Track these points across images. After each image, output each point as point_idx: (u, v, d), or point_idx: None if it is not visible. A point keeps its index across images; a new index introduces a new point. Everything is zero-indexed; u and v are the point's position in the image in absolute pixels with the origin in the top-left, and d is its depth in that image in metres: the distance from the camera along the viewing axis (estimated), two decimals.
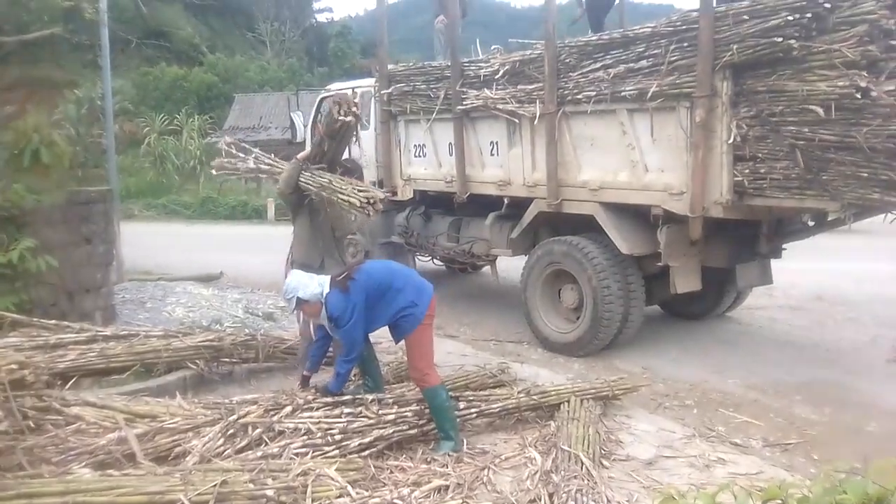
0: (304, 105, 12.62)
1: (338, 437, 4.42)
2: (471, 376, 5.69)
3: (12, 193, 6.68)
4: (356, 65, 38.58)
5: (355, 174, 5.97)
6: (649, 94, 6.23)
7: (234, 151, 6.43)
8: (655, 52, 6.27)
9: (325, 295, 4.78)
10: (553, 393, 5.20)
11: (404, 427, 4.66)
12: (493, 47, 8.31)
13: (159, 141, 26.68)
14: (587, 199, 7.11)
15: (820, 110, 5.27)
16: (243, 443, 4.32)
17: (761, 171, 5.78)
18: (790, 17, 5.30)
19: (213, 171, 6.87)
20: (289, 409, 4.65)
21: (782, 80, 5.53)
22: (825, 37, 5.32)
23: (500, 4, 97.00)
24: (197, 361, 5.93)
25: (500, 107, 7.60)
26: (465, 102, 7.98)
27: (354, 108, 5.73)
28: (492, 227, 8.33)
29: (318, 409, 4.70)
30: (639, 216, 6.85)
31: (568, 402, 5.02)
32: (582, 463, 4.11)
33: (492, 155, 8.07)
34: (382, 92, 9.08)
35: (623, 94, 6.47)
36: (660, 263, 6.71)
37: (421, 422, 4.72)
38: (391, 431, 4.58)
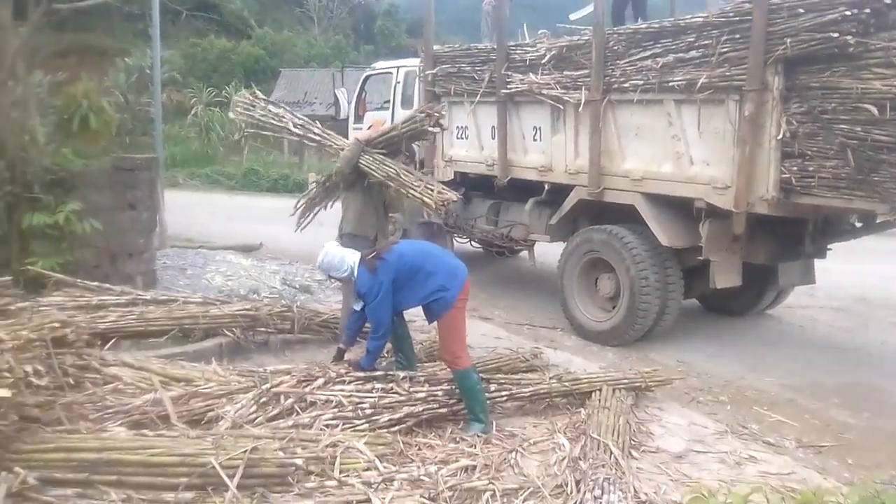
0: (348, 82, 12.66)
1: (368, 412, 4.46)
2: (503, 359, 5.68)
3: (61, 157, 6.83)
4: (402, 44, 38.56)
5: (410, 159, 6.09)
6: (698, 86, 6.13)
7: (257, 101, 6.58)
8: (706, 42, 6.16)
9: (354, 272, 4.85)
10: (585, 380, 5.18)
11: (434, 405, 4.68)
12: (540, 31, 8.22)
13: (205, 112, 26.96)
14: (629, 188, 7.04)
15: (874, 109, 5.15)
16: (275, 411, 4.39)
17: (810, 168, 5.67)
18: (848, 12, 5.18)
19: (231, 115, 7.04)
20: (321, 381, 4.70)
21: (836, 76, 5.41)
22: (884, 33, 5.21)
23: None
24: (233, 329, 6.02)
25: (545, 92, 7.53)
26: (509, 86, 7.92)
27: (442, 121, 6.10)
28: (531, 212, 8.29)
29: (350, 382, 4.75)
30: (680, 208, 6.76)
31: (600, 390, 5.00)
32: (611, 452, 4.10)
33: (534, 140, 8.02)
34: (427, 72, 9.05)
35: (671, 84, 6.38)
36: (700, 257, 6.62)
37: (451, 401, 4.74)
38: (421, 409, 4.61)
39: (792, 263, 7.25)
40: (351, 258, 4.91)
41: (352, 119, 11.22)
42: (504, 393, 4.95)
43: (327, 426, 4.28)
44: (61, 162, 6.77)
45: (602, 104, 7.02)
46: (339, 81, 12.41)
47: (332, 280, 5.38)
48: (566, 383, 5.12)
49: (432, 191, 5.73)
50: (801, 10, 5.49)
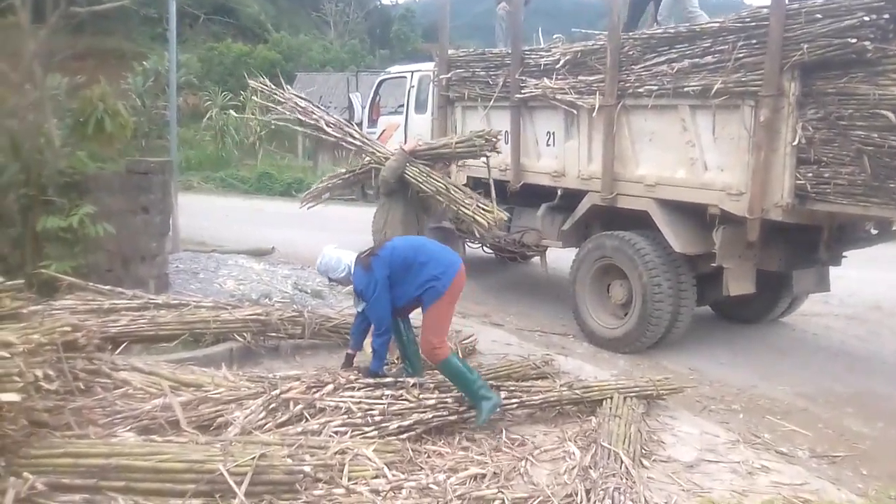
0: (363, 86, 12.70)
1: (377, 419, 4.44)
2: (514, 366, 5.65)
3: (76, 160, 6.87)
4: (418, 48, 38.60)
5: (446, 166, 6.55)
6: (713, 91, 6.09)
7: (278, 90, 6.70)
8: (722, 48, 6.13)
9: (351, 273, 5.00)
10: (596, 388, 5.15)
11: (444, 413, 4.65)
12: (554, 36, 8.21)
13: (221, 115, 27.10)
14: (642, 194, 7.00)
15: (892, 116, 5.12)
16: (284, 417, 4.37)
17: (825, 175, 5.63)
18: (866, 18, 5.14)
19: (254, 98, 7.22)
20: (331, 387, 4.69)
21: (853, 82, 5.37)
22: None
23: None
24: (244, 334, 6.00)
25: (559, 97, 7.50)
26: (523, 91, 7.90)
27: (498, 145, 6.49)
28: (543, 217, 8.26)
29: (359, 389, 4.74)
30: (694, 215, 6.71)
31: (611, 398, 4.96)
32: (621, 461, 4.06)
33: (547, 145, 7.98)
34: (441, 77, 9.04)
35: (686, 89, 6.35)
36: (713, 264, 6.57)
37: (461, 408, 4.71)
38: (431, 416, 4.58)
39: (806, 271, 7.19)
40: (347, 258, 5.08)
41: (365, 123, 11.22)
42: (514, 400, 4.91)
43: (336, 433, 4.26)
44: (76, 165, 6.80)
45: (616, 109, 6.99)
46: (353, 86, 12.45)
47: (334, 283, 5.48)
48: (577, 391, 5.09)
49: (485, 211, 5.94)
50: (819, 16, 5.46)
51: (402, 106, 10.64)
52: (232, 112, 26.89)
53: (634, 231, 7.08)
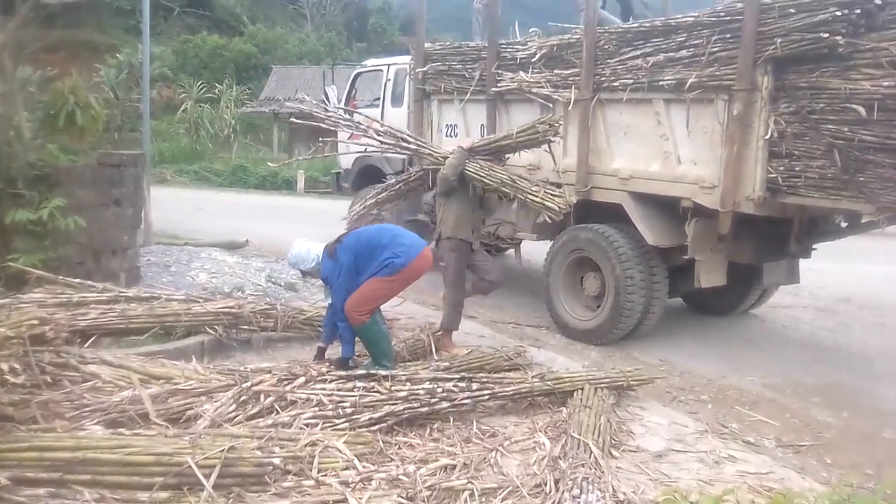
0: (339, 79, 12.59)
1: (349, 411, 4.43)
2: (486, 358, 5.67)
3: (46, 153, 6.78)
4: (395, 42, 38.48)
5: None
6: (687, 85, 6.15)
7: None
8: (697, 42, 6.18)
9: (319, 263, 5.15)
10: (567, 380, 5.17)
11: (416, 404, 4.64)
12: (531, 30, 8.22)
13: (195, 108, 26.88)
14: (616, 187, 7.04)
15: (862, 110, 5.18)
16: (255, 410, 4.36)
17: (796, 168, 5.69)
18: (838, 13, 5.20)
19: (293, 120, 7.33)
20: (302, 379, 4.68)
21: (825, 76, 5.43)
22: (873, 34, 5.24)
23: None
24: (216, 327, 5.96)
25: (535, 90, 7.52)
26: (499, 84, 7.92)
27: (560, 130, 6.57)
28: (518, 210, 8.26)
29: (331, 381, 4.74)
30: (667, 208, 6.76)
31: (582, 389, 4.98)
32: (591, 451, 4.07)
33: None
34: (417, 70, 9.03)
35: (660, 83, 6.39)
36: (685, 256, 6.62)
37: (433, 400, 4.70)
38: (402, 408, 4.57)
39: (777, 263, 7.28)
40: (317, 250, 5.19)
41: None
42: (486, 392, 4.91)
43: (307, 425, 4.25)
44: (46, 158, 6.72)
45: (591, 103, 7.04)
46: (329, 79, 12.36)
47: (305, 275, 5.52)
48: (548, 382, 5.10)
49: (554, 196, 5.97)
50: (792, 11, 5.52)
51: (378, 99, 10.61)
52: (206, 106, 26.70)
53: (608, 224, 7.12)
